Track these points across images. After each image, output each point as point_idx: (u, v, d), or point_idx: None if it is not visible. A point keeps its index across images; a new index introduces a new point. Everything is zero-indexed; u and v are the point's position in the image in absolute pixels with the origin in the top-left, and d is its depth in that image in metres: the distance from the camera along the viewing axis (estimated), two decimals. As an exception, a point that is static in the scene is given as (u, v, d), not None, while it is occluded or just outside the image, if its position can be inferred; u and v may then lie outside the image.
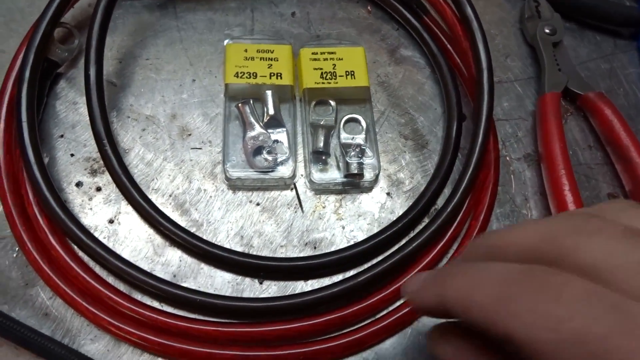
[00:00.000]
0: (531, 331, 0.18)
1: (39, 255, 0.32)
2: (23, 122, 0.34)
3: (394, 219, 0.37)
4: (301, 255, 0.35)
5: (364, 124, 0.39)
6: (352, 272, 0.35)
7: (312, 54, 0.40)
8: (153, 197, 0.36)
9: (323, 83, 0.39)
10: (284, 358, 0.31)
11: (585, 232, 0.20)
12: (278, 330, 0.31)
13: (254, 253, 0.35)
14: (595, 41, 0.46)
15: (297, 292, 0.34)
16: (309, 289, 0.34)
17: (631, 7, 0.46)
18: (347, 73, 0.40)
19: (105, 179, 0.36)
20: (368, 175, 0.37)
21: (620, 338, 0.17)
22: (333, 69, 0.40)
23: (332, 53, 0.40)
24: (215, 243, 0.35)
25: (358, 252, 0.34)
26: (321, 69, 0.40)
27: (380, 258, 0.35)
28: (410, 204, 0.37)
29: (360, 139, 0.38)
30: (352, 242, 0.36)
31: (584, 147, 0.41)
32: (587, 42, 0.46)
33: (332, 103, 0.40)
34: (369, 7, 0.45)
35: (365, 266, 0.35)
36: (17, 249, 0.33)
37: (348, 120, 0.39)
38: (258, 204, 0.37)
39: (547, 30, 0.44)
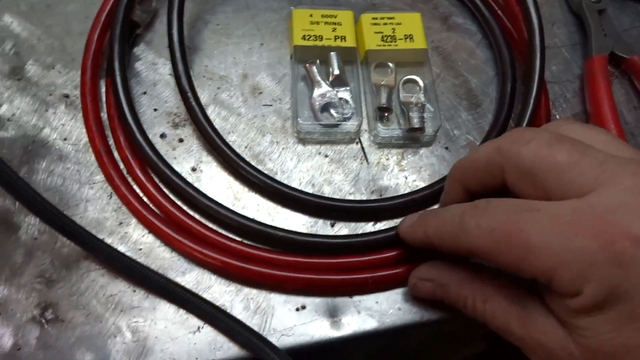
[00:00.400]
0: (478, 241, 0.26)
1: (131, 195, 0.35)
2: (117, 76, 0.37)
3: (453, 170, 0.40)
4: (368, 201, 0.38)
5: (421, 83, 0.42)
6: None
7: (373, 18, 0.43)
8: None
9: (384, 45, 0.42)
10: (354, 282, 0.34)
11: (521, 141, 0.26)
12: (353, 262, 0.34)
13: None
14: (636, 11, 0.48)
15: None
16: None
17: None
18: (406, 36, 0.42)
19: (186, 131, 0.39)
20: (429, 129, 0.40)
21: (533, 231, 0.23)
22: (392, 32, 0.42)
23: (391, 18, 0.43)
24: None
25: (423, 195, 0.37)
26: (381, 32, 0.42)
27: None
28: (468, 156, 0.40)
29: (419, 96, 0.41)
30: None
31: (629, 109, 0.44)
32: (629, 12, 0.48)
33: (391, 65, 0.42)
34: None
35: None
36: (110, 192, 0.36)
37: (407, 81, 0.42)
38: (326, 156, 0.40)
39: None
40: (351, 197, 0.38)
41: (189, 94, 0.37)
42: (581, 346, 0.24)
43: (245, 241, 0.35)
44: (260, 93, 0.41)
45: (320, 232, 0.37)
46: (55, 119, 0.39)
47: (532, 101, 0.39)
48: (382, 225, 0.37)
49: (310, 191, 0.38)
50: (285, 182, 0.38)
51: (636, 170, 0.24)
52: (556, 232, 0.23)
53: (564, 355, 0.25)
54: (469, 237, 0.26)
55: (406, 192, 0.38)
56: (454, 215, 0.27)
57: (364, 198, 0.38)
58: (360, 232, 0.37)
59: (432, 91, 0.41)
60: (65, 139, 0.38)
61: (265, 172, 0.38)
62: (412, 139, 0.40)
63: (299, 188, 0.38)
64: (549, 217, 0.24)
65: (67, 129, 0.38)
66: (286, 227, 0.36)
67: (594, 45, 0.44)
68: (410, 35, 0.42)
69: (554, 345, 0.25)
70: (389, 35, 0.42)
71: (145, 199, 0.36)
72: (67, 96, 0.40)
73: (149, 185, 0.35)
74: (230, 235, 0.35)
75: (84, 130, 0.38)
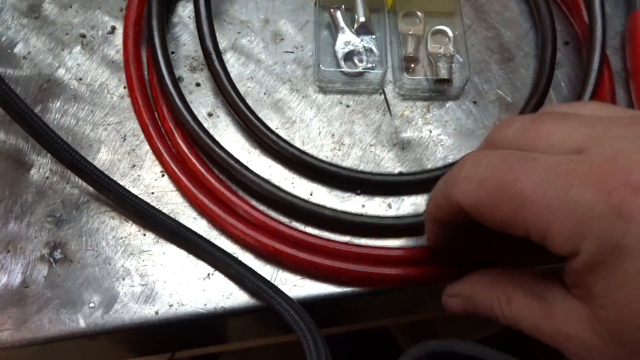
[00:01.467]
0: (466, 194, 0.23)
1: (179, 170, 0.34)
2: (157, 47, 0.35)
3: (481, 126, 0.37)
4: (390, 155, 0.36)
5: (451, 34, 0.39)
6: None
7: None
8: (248, 97, 0.37)
9: None
10: (412, 275, 0.32)
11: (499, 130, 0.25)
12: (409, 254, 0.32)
13: (345, 150, 0.36)
14: (688, -35, 0.45)
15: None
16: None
17: None
18: None
19: (204, 75, 0.38)
20: (457, 81, 0.38)
21: (527, 181, 0.21)
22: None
23: None
24: (305, 150, 0.35)
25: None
26: None
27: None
28: (499, 114, 0.38)
29: (449, 47, 0.39)
30: (439, 146, 0.37)
31: (674, 67, 0.41)
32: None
33: (420, 14, 0.40)
34: None
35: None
36: (124, 134, 0.35)
37: (436, 32, 0.40)
38: (348, 106, 0.38)
39: (639, -49, 0.43)
40: (372, 149, 0.36)
41: (214, 56, 0.35)
42: (605, 324, 0.21)
43: (295, 223, 0.34)
44: (282, 39, 0.40)
45: (348, 202, 0.35)
46: (71, 59, 0.38)
47: (594, 74, 0.36)
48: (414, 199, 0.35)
49: (330, 141, 0.36)
50: (304, 131, 0.37)
51: (630, 121, 0.21)
52: (551, 183, 0.21)
53: (593, 340, 0.22)
54: (456, 189, 0.24)
55: (429, 148, 0.36)
56: (450, 171, 0.25)
57: (385, 151, 0.36)
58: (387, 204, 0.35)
59: (461, 43, 0.39)
60: (80, 79, 0.37)
61: (284, 120, 0.37)
62: (439, 91, 0.38)
63: (318, 137, 0.37)
64: (544, 167, 0.21)
65: (82, 69, 0.37)
66: (308, 195, 0.35)
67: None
68: None
69: (580, 331, 0.22)
70: None
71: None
72: (83, 36, 0.38)
73: (194, 161, 0.34)
74: (276, 216, 0.33)
75: (100, 71, 0.37)
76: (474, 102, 0.38)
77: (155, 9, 0.36)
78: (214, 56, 0.35)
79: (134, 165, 0.35)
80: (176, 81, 0.35)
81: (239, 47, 0.39)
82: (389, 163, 0.36)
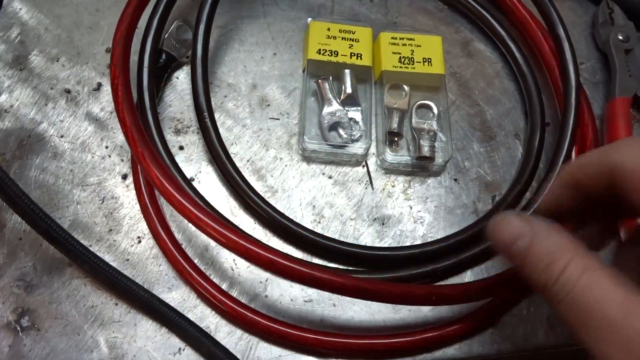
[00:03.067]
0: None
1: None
2: (147, 109, 0.35)
3: (460, 204, 0.38)
4: (370, 230, 0.36)
5: (435, 110, 0.40)
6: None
7: (392, 38, 0.41)
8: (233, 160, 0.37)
9: (400, 67, 0.40)
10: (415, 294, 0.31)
11: None
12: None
13: (325, 223, 0.36)
14: (665, 52, 0.46)
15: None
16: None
17: None
18: (424, 60, 0.41)
19: (188, 138, 0.38)
20: (439, 159, 0.38)
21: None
22: (411, 54, 0.41)
23: (411, 39, 0.41)
24: (287, 215, 0.36)
25: (435, 249, 0.35)
26: (399, 53, 0.41)
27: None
28: (479, 192, 0.38)
29: (432, 124, 0.39)
30: (419, 222, 0.37)
31: (648, 154, 0.42)
32: (657, 53, 0.46)
33: (406, 88, 0.41)
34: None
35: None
36: (103, 196, 0.35)
37: (420, 106, 0.40)
38: (330, 177, 0.38)
39: (620, 37, 0.44)
40: (352, 224, 0.37)
41: (206, 114, 0.36)
42: None
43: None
44: (268, 105, 0.40)
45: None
46: (54, 114, 0.37)
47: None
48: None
49: (311, 212, 0.37)
50: (285, 200, 0.37)
51: None
52: None
53: None
54: (619, 153, 0.24)
55: (408, 225, 0.37)
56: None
57: (365, 225, 0.37)
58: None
59: (445, 119, 0.40)
60: (62, 136, 0.37)
61: (265, 188, 0.37)
62: (421, 168, 0.39)
63: (299, 208, 0.37)
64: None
65: (65, 125, 0.37)
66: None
67: (618, 86, 0.42)
68: (429, 59, 0.41)
69: None
70: (407, 57, 0.41)
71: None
72: (68, 91, 0.38)
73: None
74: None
75: (82, 128, 0.37)
76: (455, 180, 0.39)
77: (146, 80, 0.36)
78: (206, 114, 0.36)
79: (111, 230, 0.34)
80: (167, 147, 0.35)
81: (225, 111, 0.39)
82: (368, 238, 0.36)
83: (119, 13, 0.39)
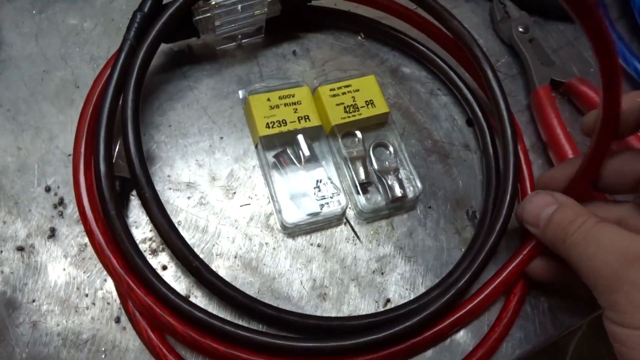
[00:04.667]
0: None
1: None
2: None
3: (441, 228, 0.40)
4: (371, 287, 0.37)
5: (391, 148, 0.41)
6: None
7: (330, 90, 0.42)
8: (219, 262, 0.36)
9: (348, 117, 0.41)
10: None
11: None
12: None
13: (331, 293, 0.37)
14: (558, 30, 0.51)
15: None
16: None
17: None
18: (367, 102, 0.42)
19: (166, 257, 0.36)
20: (410, 194, 0.40)
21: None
22: (353, 101, 0.42)
23: (348, 86, 0.42)
24: (291, 302, 0.36)
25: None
26: (342, 103, 0.41)
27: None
28: (454, 212, 0.41)
29: (392, 161, 0.41)
30: (412, 260, 0.39)
31: (577, 129, 0.46)
32: (553, 33, 0.51)
33: (358, 134, 0.42)
34: (361, 34, 0.47)
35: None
36: (103, 349, 0.33)
37: (376, 147, 0.42)
38: (319, 245, 0.38)
39: (520, 29, 0.48)
40: (354, 283, 0.37)
41: (170, 233, 0.34)
42: None
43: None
44: (234, 193, 0.39)
45: None
46: (15, 279, 0.34)
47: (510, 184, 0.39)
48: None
49: (312, 287, 0.37)
50: (286, 285, 0.37)
51: None
52: None
53: None
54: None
55: (402, 265, 0.38)
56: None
57: (367, 281, 0.37)
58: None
59: (401, 152, 0.41)
60: (33, 301, 0.34)
61: (263, 279, 0.37)
62: (396, 207, 0.40)
63: (302, 287, 0.37)
64: None
65: (31, 287, 0.34)
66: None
67: (535, 76, 0.46)
68: (370, 100, 0.42)
69: None
70: (351, 105, 0.41)
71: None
72: (21, 249, 0.35)
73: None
74: None
75: (52, 284, 0.34)
76: (429, 207, 0.41)
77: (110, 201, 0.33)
78: (170, 233, 0.34)
79: (126, 381, 0.32)
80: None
81: (193, 213, 0.38)
82: (377, 292, 0.37)
83: (43, 146, 0.37)
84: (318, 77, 0.44)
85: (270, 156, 0.39)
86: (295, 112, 0.40)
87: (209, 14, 0.38)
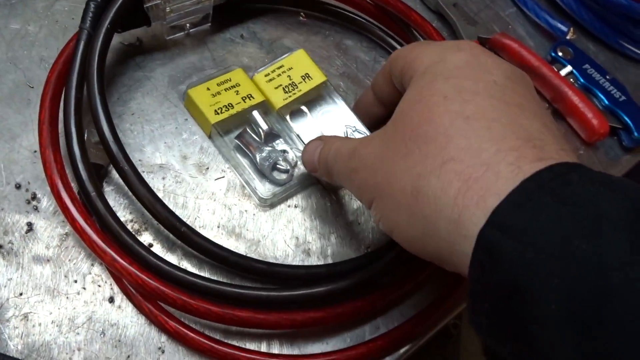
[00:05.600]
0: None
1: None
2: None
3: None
4: (349, 235, 0.40)
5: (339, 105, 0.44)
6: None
7: (265, 75, 0.42)
8: (203, 233, 0.37)
9: (289, 97, 0.42)
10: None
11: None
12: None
13: (315, 248, 0.38)
14: (477, -5, 0.57)
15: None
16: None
17: (491, -38, 0.58)
18: (303, 77, 0.43)
19: (150, 235, 0.37)
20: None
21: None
22: (290, 80, 0.43)
23: (281, 67, 0.43)
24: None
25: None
26: (280, 84, 0.42)
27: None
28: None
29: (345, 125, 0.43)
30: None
31: (505, 77, 0.51)
32: (472, -2, 0.56)
33: (304, 108, 0.43)
34: (302, 13, 0.50)
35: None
36: (101, 329, 0.33)
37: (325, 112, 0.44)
38: (296, 206, 0.40)
39: (444, -4, 0.53)
40: (337, 234, 0.39)
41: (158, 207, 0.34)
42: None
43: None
44: (207, 169, 0.40)
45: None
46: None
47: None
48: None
49: (295, 245, 0.38)
50: (271, 246, 0.38)
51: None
52: None
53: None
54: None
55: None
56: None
57: (348, 229, 0.40)
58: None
59: (348, 109, 0.44)
60: (21, 294, 0.33)
61: (248, 243, 0.38)
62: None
63: (286, 246, 0.38)
64: None
65: (17, 281, 0.33)
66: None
67: (464, 35, 0.51)
68: (306, 74, 0.43)
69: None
70: (289, 84, 0.42)
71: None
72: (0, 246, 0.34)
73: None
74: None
75: (38, 276, 0.34)
76: (391, 160, 0.44)
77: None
78: (155, 203, 0.34)
79: (128, 356, 0.32)
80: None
81: (171, 192, 0.39)
82: (356, 241, 0.39)
83: (7, 146, 0.37)
84: (265, 59, 0.46)
85: (229, 141, 0.40)
86: (237, 94, 0.41)
87: (159, 1, 0.40)
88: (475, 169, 0.25)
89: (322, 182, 0.41)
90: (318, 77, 0.44)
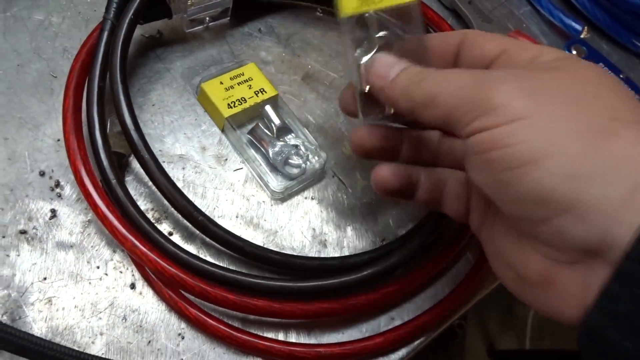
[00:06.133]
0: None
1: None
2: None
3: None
4: (368, 225, 0.40)
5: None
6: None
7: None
8: (222, 223, 0.37)
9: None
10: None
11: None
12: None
13: (329, 239, 0.39)
14: (491, -7, 0.57)
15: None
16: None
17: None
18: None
19: (170, 224, 0.37)
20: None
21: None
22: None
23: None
24: (293, 247, 0.38)
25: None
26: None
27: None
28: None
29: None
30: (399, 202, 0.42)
31: (520, 75, 0.52)
32: (486, -4, 0.56)
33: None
34: (319, 9, 0.50)
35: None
36: (123, 315, 0.33)
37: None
38: (313, 199, 0.41)
39: (459, -7, 0.53)
40: (354, 225, 0.40)
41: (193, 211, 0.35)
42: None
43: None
44: (226, 160, 0.41)
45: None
46: (23, 262, 0.34)
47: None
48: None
49: (312, 236, 0.39)
50: (288, 236, 0.39)
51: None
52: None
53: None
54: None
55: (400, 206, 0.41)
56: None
57: (365, 221, 0.40)
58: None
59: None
60: (45, 279, 0.34)
61: (266, 234, 0.38)
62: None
63: (303, 237, 0.39)
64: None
65: (41, 266, 0.34)
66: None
67: (479, 31, 0.51)
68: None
69: None
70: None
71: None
72: (24, 232, 0.35)
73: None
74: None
75: (61, 261, 0.34)
76: (406, 155, 0.44)
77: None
78: (173, 191, 0.35)
79: (149, 342, 0.33)
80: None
81: (190, 182, 0.39)
82: (372, 233, 0.40)
83: (30, 134, 0.37)
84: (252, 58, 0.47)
85: (242, 135, 0.41)
86: (249, 88, 0.42)
87: (181, -7, 0.40)
88: None
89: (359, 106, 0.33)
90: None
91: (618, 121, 0.24)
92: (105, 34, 0.37)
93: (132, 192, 0.38)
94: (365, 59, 0.32)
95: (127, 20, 0.37)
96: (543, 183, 0.23)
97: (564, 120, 0.24)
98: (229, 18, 0.46)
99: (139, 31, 0.44)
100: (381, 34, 0.33)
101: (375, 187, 0.34)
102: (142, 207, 0.37)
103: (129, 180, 0.38)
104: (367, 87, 0.32)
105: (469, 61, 0.31)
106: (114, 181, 0.34)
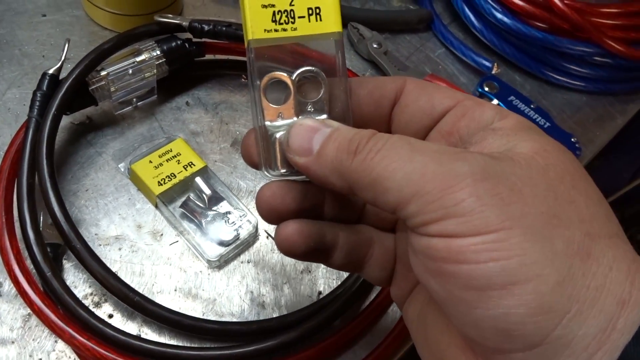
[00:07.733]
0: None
1: None
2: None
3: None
4: (306, 280, 0.42)
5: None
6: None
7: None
8: (161, 299, 0.39)
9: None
10: None
11: None
12: None
13: (269, 300, 0.41)
14: (406, 40, 0.61)
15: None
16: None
17: (418, 9, 0.62)
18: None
19: (109, 306, 0.39)
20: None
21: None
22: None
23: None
24: (233, 314, 0.39)
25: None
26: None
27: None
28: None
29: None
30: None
31: (439, 115, 0.55)
32: (402, 44, 0.60)
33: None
34: (243, 76, 0.53)
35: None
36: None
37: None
38: (249, 262, 0.43)
39: (375, 45, 0.57)
40: (289, 285, 0.42)
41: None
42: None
43: None
44: (162, 235, 0.42)
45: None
46: (-37, 364, 0.35)
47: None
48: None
49: (251, 299, 0.41)
50: (227, 303, 0.40)
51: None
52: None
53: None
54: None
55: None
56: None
57: (301, 281, 0.42)
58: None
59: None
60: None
61: (205, 303, 0.40)
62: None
63: (242, 302, 0.41)
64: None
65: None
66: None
67: (396, 80, 0.55)
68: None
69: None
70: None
71: None
72: (-36, 334, 0.36)
73: None
74: None
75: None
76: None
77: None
78: (107, 276, 0.36)
79: None
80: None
81: (127, 262, 0.41)
82: (309, 288, 0.42)
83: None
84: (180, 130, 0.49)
85: (175, 209, 0.42)
86: (178, 163, 0.43)
87: (103, 82, 0.43)
88: None
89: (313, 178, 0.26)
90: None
91: (591, 238, 0.22)
92: (31, 131, 0.39)
93: (72, 278, 0.39)
94: (279, 123, 0.26)
95: (50, 117, 0.39)
96: (511, 314, 0.20)
97: (540, 239, 0.21)
98: (156, 95, 0.49)
99: (68, 119, 0.46)
100: (299, 71, 0.26)
101: (279, 248, 0.27)
102: (83, 292, 0.39)
103: (68, 268, 0.40)
104: (283, 169, 0.27)
105: (412, 113, 0.27)
106: (48, 274, 0.36)
